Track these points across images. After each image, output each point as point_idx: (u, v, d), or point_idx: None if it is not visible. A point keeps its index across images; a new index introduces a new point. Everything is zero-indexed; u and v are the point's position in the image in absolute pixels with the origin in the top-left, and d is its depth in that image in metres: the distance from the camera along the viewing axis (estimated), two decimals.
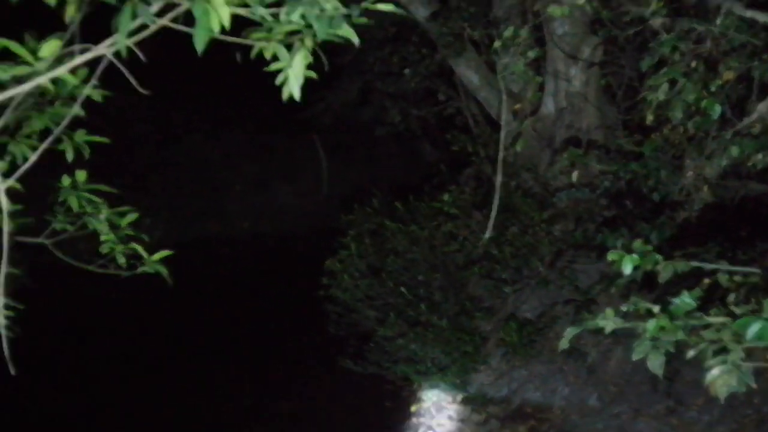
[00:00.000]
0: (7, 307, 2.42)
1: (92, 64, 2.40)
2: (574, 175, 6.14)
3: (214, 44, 2.19)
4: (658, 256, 3.16)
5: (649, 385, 6.11)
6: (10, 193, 2.45)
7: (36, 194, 3.13)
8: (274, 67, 2.45)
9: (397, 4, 2.52)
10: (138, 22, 2.13)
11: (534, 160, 7.63)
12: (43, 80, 2.31)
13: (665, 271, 3.12)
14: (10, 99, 2.57)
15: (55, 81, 2.45)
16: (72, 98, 2.94)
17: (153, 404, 7.05)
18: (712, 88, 4.72)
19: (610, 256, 3.09)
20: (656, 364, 2.85)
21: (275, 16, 2.36)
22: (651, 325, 2.82)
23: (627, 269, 3.08)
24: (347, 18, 2.33)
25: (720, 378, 2.70)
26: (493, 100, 8.06)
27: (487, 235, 5.89)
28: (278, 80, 2.47)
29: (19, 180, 2.35)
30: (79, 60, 2.28)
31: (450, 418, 6.66)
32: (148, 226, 3.48)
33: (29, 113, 3.04)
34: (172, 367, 7.95)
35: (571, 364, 6.60)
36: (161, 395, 7.24)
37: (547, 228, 7.06)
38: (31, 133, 2.99)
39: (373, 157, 14.77)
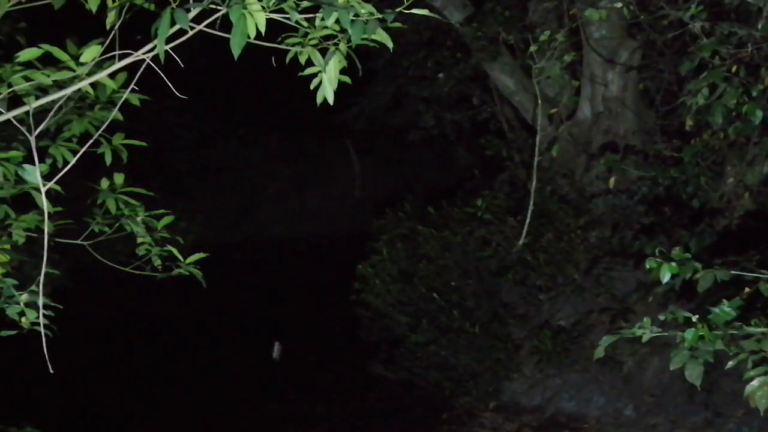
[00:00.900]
0: (46, 307, 2.47)
1: (131, 68, 2.44)
2: (612, 181, 6.05)
3: (249, 49, 2.21)
4: (698, 265, 3.09)
5: (687, 396, 5.98)
6: (51, 195, 2.50)
7: (75, 197, 3.20)
8: (308, 71, 2.46)
9: (431, 9, 2.51)
10: (176, 27, 2.16)
11: (570, 165, 7.53)
12: (83, 85, 2.36)
13: (705, 279, 3.05)
14: (52, 103, 2.63)
15: (94, 85, 2.50)
16: (111, 102, 3.00)
17: (184, 404, 7.13)
18: (753, 93, 4.61)
19: (648, 264, 3.03)
20: (694, 374, 2.79)
21: (310, 21, 2.37)
22: (690, 334, 2.76)
23: (665, 277, 3.01)
24: (382, 22, 2.33)
25: (760, 389, 2.64)
26: (527, 104, 7.99)
27: (522, 241, 5.84)
28: (313, 84, 2.48)
29: (59, 182, 2.39)
30: (118, 65, 2.32)
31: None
32: (183, 229, 3.53)
33: (70, 117, 3.11)
34: (203, 367, 8.03)
35: (606, 374, 6.50)
36: (191, 395, 7.32)
37: (582, 235, 6.96)
38: (71, 137, 3.05)
39: (405, 162, 14.76)
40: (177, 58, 2.27)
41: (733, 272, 3.14)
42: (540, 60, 5.65)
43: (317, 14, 2.35)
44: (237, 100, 14.02)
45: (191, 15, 2.18)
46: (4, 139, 2.83)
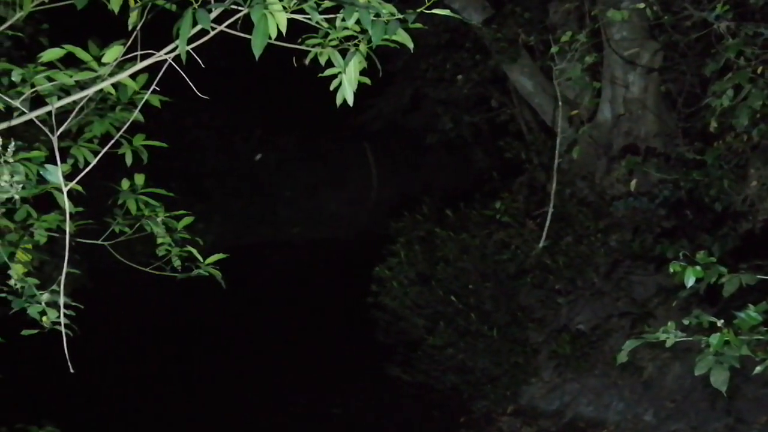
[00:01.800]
0: (67, 306, 2.47)
1: (152, 69, 2.44)
2: (633, 184, 5.98)
3: (268, 51, 2.20)
4: (723, 268, 3.04)
5: (708, 401, 5.90)
6: (72, 195, 2.51)
7: (96, 197, 3.21)
8: (328, 72, 2.45)
9: (451, 10, 2.49)
10: (198, 28, 2.16)
11: (590, 168, 7.47)
12: (105, 85, 2.37)
13: (730, 284, 2.99)
14: (74, 104, 2.64)
15: (116, 86, 2.51)
16: (132, 104, 3.01)
17: (200, 404, 7.15)
18: None
19: (672, 268, 2.98)
20: (720, 380, 2.74)
21: (330, 21, 2.36)
22: (715, 339, 2.71)
23: (689, 281, 2.96)
24: (403, 23, 2.32)
25: None
26: (547, 106, 7.93)
27: (541, 244, 5.79)
28: (333, 85, 2.47)
29: (80, 183, 2.40)
30: (140, 65, 2.32)
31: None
32: (202, 231, 3.53)
33: (91, 118, 3.12)
34: (220, 368, 8.05)
35: (626, 379, 6.42)
36: (208, 395, 7.34)
37: (603, 238, 6.89)
38: (93, 138, 3.06)
39: (423, 164, 14.73)
40: (198, 59, 2.27)
41: (759, 277, 3.08)
42: (561, 61, 5.60)
43: (337, 15, 2.34)
44: (255, 102, 14.07)
45: (213, 15, 2.18)
46: (26, 140, 2.84)
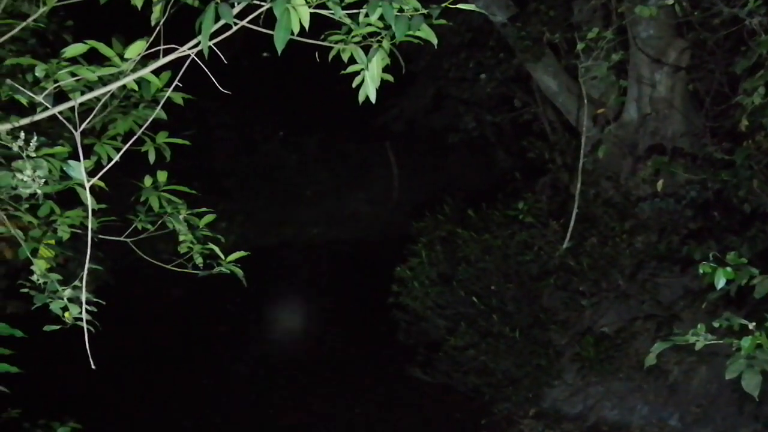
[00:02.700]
0: (89, 302, 2.47)
1: (174, 67, 2.44)
2: (659, 184, 5.87)
3: (290, 52, 2.18)
4: (754, 270, 2.96)
5: (735, 406, 5.78)
6: (95, 192, 2.51)
7: (119, 194, 3.22)
8: (351, 69, 2.42)
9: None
10: (221, 23, 2.15)
11: (615, 168, 7.36)
12: (128, 81, 2.36)
13: (762, 285, 2.92)
14: (97, 101, 2.64)
15: (139, 83, 2.50)
16: (155, 101, 3.01)
17: (220, 403, 7.17)
18: None
19: (702, 269, 2.91)
20: (752, 384, 2.66)
21: (353, 17, 2.33)
22: (747, 342, 2.63)
23: (720, 283, 2.89)
24: (427, 18, 2.28)
25: None
26: (571, 106, 7.84)
27: (565, 245, 5.71)
28: (355, 82, 2.44)
29: (103, 179, 2.40)
30: (162, 61, 2.31)
31: None
32: (224, 230, 3.52)
33: (115, 116, 3.13)
34: (242, 366, 8.07)
35: (651, 382, 6.32)
36: (229, 393, 7.36)
37: (628, 239, 6.79)
38: (116, 135, 3.07)
39: (445, 164, 14.67)
40: (221, 55, 2.25)
41: None
42: (586, 59, 5.52)
43: (360, 10, 2.31)
44: (277, 101, 14.12)
45: (236, 10, 2.16)
46: (50, 136, 2.86)
